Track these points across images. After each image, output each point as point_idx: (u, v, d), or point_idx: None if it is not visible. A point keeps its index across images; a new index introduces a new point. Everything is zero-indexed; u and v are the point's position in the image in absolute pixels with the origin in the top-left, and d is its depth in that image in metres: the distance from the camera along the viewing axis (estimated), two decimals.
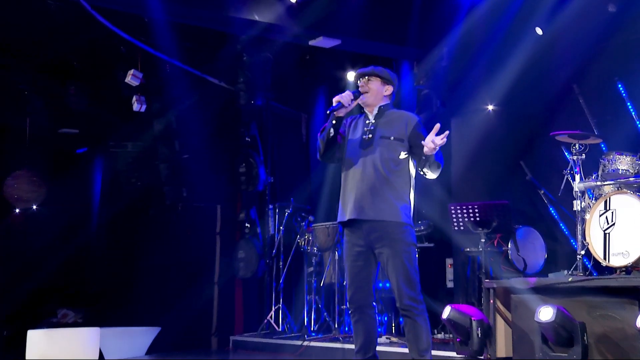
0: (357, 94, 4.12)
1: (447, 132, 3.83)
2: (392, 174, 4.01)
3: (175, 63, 7.84)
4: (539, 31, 6.79)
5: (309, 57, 8.48)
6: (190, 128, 8.40)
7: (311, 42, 7.57)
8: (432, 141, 3.82)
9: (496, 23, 7.07)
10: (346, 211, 4.08)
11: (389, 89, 4.19)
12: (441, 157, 3.99)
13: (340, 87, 8.29)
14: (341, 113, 4.03)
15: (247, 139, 8.45)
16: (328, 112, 3.98)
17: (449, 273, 7.22)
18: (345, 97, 4.04)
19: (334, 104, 4.04)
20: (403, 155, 4.05)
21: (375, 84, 4.17)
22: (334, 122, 4.05)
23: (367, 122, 4.17)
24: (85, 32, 6.99)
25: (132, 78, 7.43)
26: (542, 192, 6.45)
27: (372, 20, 7.46)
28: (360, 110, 4.30)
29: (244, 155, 8.45)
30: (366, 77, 4.18)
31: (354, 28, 7.35)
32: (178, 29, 7.32)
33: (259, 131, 8.58)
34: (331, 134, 4.04)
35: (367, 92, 4.14)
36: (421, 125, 4.10)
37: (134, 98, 7.66)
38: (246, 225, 8.41)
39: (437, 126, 3.85)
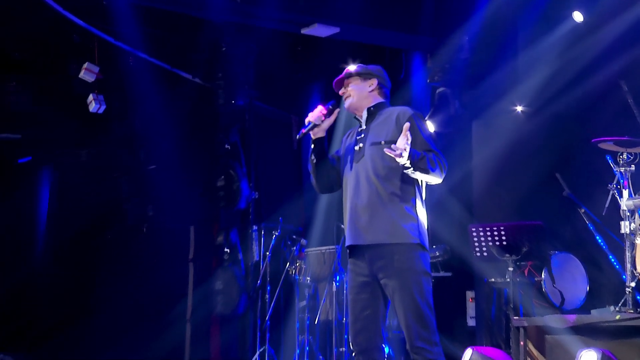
0: (331, 105, 4.20)
1: (407, 125, 3.86)
2: (390, 184, 4.05)
3: (139, 55, 7.87)
4: (578, 17, 6.89)
5: (301, 48, 8.49)
6: (158, 133, 8.46)
7: (304, 30, 7.61)
8: (395, 147, 3.85)
9: (527, 7, 7.18)
10: (347, 236, 4.17)
11: (372, 83, 4.26)
12: (434, 158, 3.98)
13: (339, 85, 8.42)
14: (318, 134, 4.14)
15: (226, 146, 8.52)
16: (297, 136, 4.23)
17: (470, 308, 7.33)
18: (314, 113, 4.14)
19: (305, 124, 4.16)
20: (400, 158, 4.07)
21: (354, 85, 4.26)
22: (312, 146, 4.17)
23: (360, 129, 4.26)
24: (28, 17, 6.99)
25: (86, 73, 7.46)
26: (583, 211, 6.47)
27: (376, 4, 7.54)
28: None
29: (223, 166, 8.50)
30: (345, 83, 4.29)
31: (355, 13, 7.41)
32: (143, 13, 7.34)
33: (241, 137, 8.64)
34: (314, 162, 4.17)
35: (349, 96, 4.25)
36: (416, 118, 4.11)
37: (90, 97, 7.69)
38: (225, 250, 8.46)
39: (407, 125, 3.89)
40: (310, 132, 4.16)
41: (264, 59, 8.41)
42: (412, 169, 3.89)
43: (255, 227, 8.48)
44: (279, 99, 9.17)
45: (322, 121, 4.14)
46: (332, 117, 4.20)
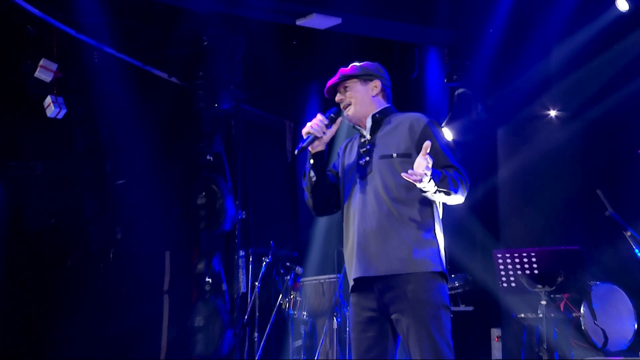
0: (333, 113, 4.22)
1: (428, 144, 3.89)
2: (404, 204, 4.08)
3: (106, 50, 7.94)
4: (623, 5, 6.93)
5: (297, 43, 8.57)
6: (128, 142, 8.50)
7: (300, 22, 7.67)
8: (413, 172, 3.88)
9: None
10: (350, 267, 4.20)
11: (375, 86, 4.28)
12: (456, 175, 4.03)
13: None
14: (318, 147, 4.16)
15: (208, 157, 8.54)
16: (296, 152, 4.12)
17: (496, 349, 7.37)
18: (316, 124, 4.15)
19: (304, 137, 4.15)
20: None
21: (354, 89, 4.28)
22: (311, 161, 4.19)
23: (363, 140, 4.29)
24: None
25: (42, 71, 7.51)
26: (629, 233, 6.43)
27: None
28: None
29: (204, 180, 8.52)
30: (341, 88, 4.30)
31: (359, 1, 7.49)
32: (110, 1, 7.42)
33: (226, 146, 8.67)
34: (313, 179, 4.19)
35: (349, 104, 4.26)
36: (432, 126, 4.16)
37: (48, 99, 7.74)
38: (207, 280, 8.47)
39: (428, 145, 3.90)
40: (307, 147, 4.18)
41: (253, 55, 8.46)
42: (431, 192, 3.94)
43: (242, 253, 8.52)
44: (270, 101, 9.23)
45: (324, 133, 4.14)
46: (335, 128, 4.20)
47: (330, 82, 4.30)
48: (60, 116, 7.83)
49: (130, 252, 8.71)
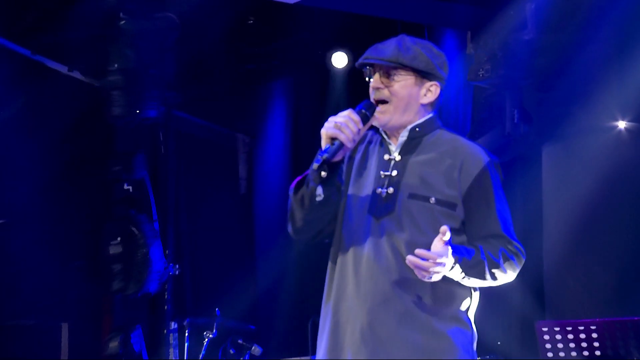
0: (366, 109, 4.25)
1: (445, 231, 3.95)
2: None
3: None
4: None
5: (255, 22, 8.59)
6: (10, 165, 8.49)
7: None
8: (417, 265, 3.94)
9: None
10: (335, 346, 4.24)
11: (431, 90, 4.32)
12: (508, 255, 4.15)
13: (320, 85, 8.61)
14: (339, 156, 4.16)
15: (126, 186, 8.62)
16: (316, 166, 4.10)
17: None
18: (346, 125, 4.13)
19: (324, 142, 4.12)
20: (456, 234, 4.20)
21: (403, 84, 4.29)
22: (323, 174, 4.16)
23: (387, 157, 4.33)
24: None
25: None
26: None
27: None
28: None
29: (120, 220, 8.60)
30: (382, 72, 4.29)
31: None
32: None
33: (152, 171, 8.76)
34: (318, 199, 4.19)
35: (387, 103, 4.28)
36: (494, 170, 4.27)
37: None
38: None
39: (445, 230, 3.95)
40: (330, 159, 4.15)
41: (192, 41, 8.51)
42: (457, 279, 4.05)
43: (174, 325, 8.54)
44: (217, 107, 9.37)
45: (353, 141, 4.12)
46: (365, 129, 4.23)
47: (375, 52, 4.28)
48: None
49: (11, 324, 8.63)
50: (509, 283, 7.39)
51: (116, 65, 8.38)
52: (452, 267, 3.94)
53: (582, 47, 7.54)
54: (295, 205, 4.22)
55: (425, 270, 3.87)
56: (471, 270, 4.00)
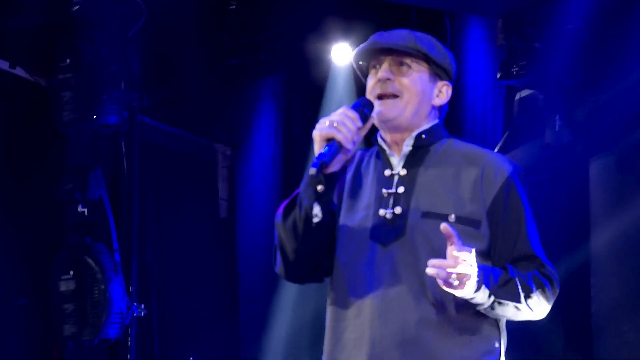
0: (365, 106, 4.17)
1: (446, 229, 3.89)
2: (458, 305, 4.05)
3: None
4: None
5: (238, 8, 8.54)
6: None
7: None
8: (444, 278, 3.82)
9: None
10: None
11: (443, 92, 4.29)
12: (540, 278, 4.05)
13: (317, 84, 8.64)
14: (335, 166, 4.09)
15: (80, 209, 8.24)
16: (313, 171, 4.00)
17: None
18: (343, 122, 4.05)
19: (318, 145, 4.05)
20: (482, 257, 4.09)
21: (416, 76, 4.25)
22: (319, 188, 4.08)
23: (388, 173, 4.24)
24: None
25: None
26: None
27: None
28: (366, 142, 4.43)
29: (73, 250, 8.23)
30: (392, 61, 4.23)
31: None
32: None
33: (112, 189, 8.50)
34: (317, 219, 4.11)
35: (397, 97, 4.21)
36: (519, 181, 4.19)
37: None
38: None
39: (446, 228, 3.86)
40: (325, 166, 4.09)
41: (160, 31, 8.42)
42: (485, 305, 3.97)
43: None
44: (192, 112, 9.26)
45: (353, 142, 4.02)
46: (364, 132, 4.09)
47: (386, 38, 4.21)
48: None
49: None
50: (551, 328, 7.56)
51: (68, 61, 8.15)
52: (478, 285, 3.85)
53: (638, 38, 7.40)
54: (285, 235, 4.11)
55: (452, 266, 3.78)
56: (501, 290, 3.94)
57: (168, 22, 8.38)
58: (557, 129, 7.58)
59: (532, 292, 3.99)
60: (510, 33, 7.70)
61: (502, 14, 7.81)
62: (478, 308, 3.98)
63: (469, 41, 8.36)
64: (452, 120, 7.53)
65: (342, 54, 8.55)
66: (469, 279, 3.80)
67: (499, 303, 3.94)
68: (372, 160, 4.29)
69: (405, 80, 4.16)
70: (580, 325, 7.73)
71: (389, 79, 4.15)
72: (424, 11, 8.17)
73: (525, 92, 7.81)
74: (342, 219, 4.21)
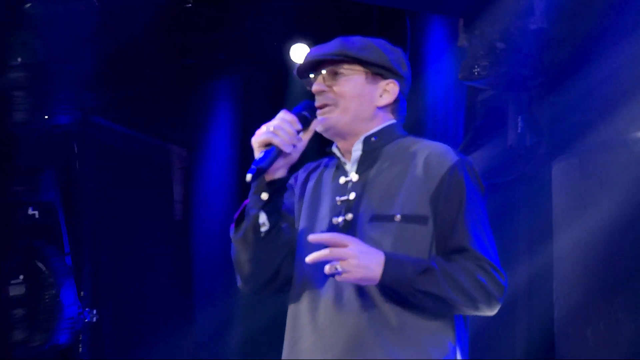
0: (306, 110, 4.25)
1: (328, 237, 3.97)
2: (408, 304, 4.08)
3: None
4: None
5: (195, 6, 8.49)
6: None
7: None
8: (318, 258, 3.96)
9: None
10: None
11: (387, 89, 4.34)
12: (468, 271, 4.04)
13: (275, 85, 8.74)
14: (279, 171, 4.18)
15: (30, 211, 8.31)
16: (249, 178, 4.03)
17: None
18: (280, 126, 4.14)
19: (257, 152, 4.11)
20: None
21: (350, 82, 4.31)
22: (263, 196, 4.15)
23: (343, 181, 4.31)
24: None
25: None
26: None
27: None
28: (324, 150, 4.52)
29: (23, 254, 8.25)
30: (326, 73, 4.29)
31: None
32: None
33: (64, 192, 8.53)
34: (264, 228, 4.18)
35: (332, 105, 4.26)
36: (464, 170, 4.23)
37: None
38: None
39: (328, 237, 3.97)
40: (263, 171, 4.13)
41: (114, 29, 8.26)
42: (403, 292, 4.00)
43: None
44: (147, 112, 9.22)
45: (294, 146, 4.09)
46: (307, 137, 4.18)
47: (318, 51, 4.29)
48: None
49: None
50: (512, 334, 7.75)
51: (19, 60, 8.12)
52: (385, 271, 3.90)
53: (605, 39, 7.27)
54: (239, 246, 4.19)
55: (325, 255, 3.87)
56: (419, 278, 3.93)
57: (123, 21, 8.33)
58: (519, 131, 7.60)
59: (459, 284, 4.00)
60: (471, 33, 7.63)
61: (463, 13, 7.79)
62: (400, 297, 3.97)
63: (431, 41, 8.40)
64: (413, 121, 7.63)
65: (300, 54, 8.59)
66: (348, 263, 3.84)
67: (422, 292, 3.94)
68: (332, 169, 4.33)
69: (338, 88, 4.20)
70: (542, 333, 7.69)
71: (323, 91, 4.20)
72: (385, 11, 8.23)
73: (487, 93, 7.82)
74: (301, 228, 4.27)
